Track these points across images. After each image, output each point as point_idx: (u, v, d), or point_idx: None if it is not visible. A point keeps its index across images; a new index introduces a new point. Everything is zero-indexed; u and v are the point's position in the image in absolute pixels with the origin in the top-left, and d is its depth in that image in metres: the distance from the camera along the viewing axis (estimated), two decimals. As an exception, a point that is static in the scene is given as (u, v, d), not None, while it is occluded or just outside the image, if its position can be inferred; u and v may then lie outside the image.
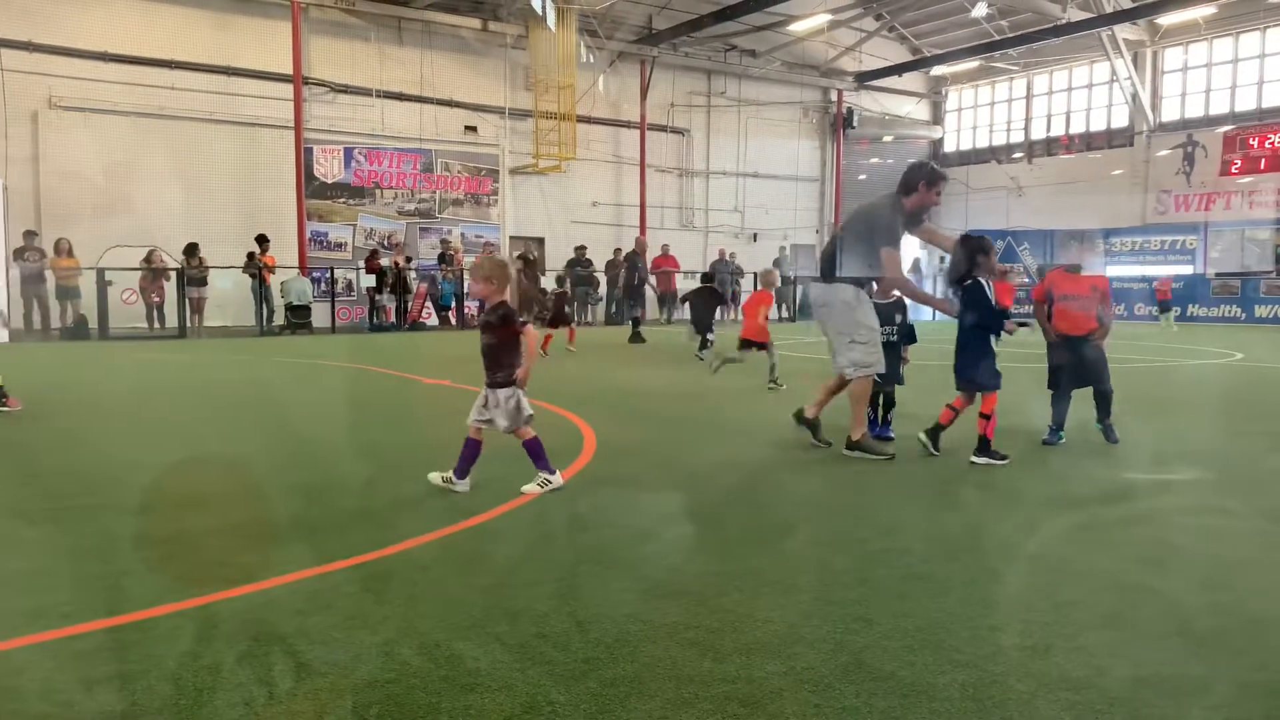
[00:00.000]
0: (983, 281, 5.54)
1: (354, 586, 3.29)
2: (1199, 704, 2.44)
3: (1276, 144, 23.49)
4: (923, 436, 5.75)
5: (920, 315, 7.84)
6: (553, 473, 4.72)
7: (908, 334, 6.38)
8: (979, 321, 5.52)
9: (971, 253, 5.53)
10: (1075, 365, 6.14)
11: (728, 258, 24.36)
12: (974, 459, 5.44)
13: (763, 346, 9.33)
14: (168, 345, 15.83)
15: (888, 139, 30.60)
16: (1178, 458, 5.60)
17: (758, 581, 3.34)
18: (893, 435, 6.26)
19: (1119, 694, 2.46)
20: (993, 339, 5.54)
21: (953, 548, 3.80)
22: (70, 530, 4.09)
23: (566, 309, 15.78)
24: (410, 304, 20.74)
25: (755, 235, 27.65)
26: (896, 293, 6.29)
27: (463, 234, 22.89)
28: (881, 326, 6.19)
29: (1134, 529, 4.27)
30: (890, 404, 6.37)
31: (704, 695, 2.43)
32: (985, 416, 5.46)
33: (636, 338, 16.25)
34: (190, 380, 10.75)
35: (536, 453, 4.69)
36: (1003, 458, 5.43)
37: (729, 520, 4.24)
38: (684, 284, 24.78)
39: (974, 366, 5.51)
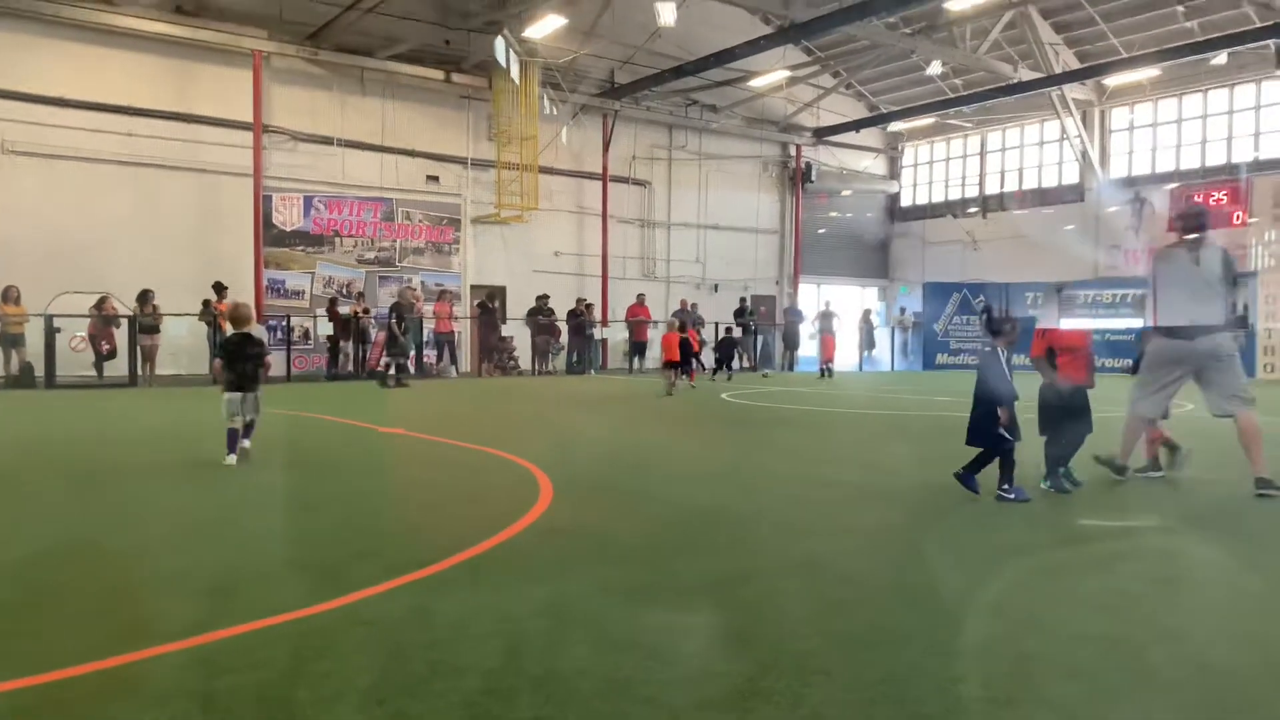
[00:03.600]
0: None
1: (293, 642, 3.15)
2: (1163, 757, 2.39)
3: (1220, 201, 24.18)
4: None
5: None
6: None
7: None
8: None
9: None
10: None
11: (689, 307, 24.46)
12: None
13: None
14: (117, 394, 15.46)
15: (845, 193, 31.09)
16: (1130, 506, 5.62)
17: (714, 634, 3.25)
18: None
19: (1082, 748, 2.40)
20: None
21: (912, 597, 3.74)
22: (-4, 584, 3.91)
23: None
24: (369, 352, 20.52)
25: (716, 286, 27.83)
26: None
27: (423, 281, 22.75)
28: None
29: (1093, 577, 4.24)
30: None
31: (657, 754, 2.33)
32: None
33: (399, 383, 17.05)
34: (135, 429, 10.47)
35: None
36: None
37: (684, 570, 4.15)
38: (654, 333, 24.81)
39: None
